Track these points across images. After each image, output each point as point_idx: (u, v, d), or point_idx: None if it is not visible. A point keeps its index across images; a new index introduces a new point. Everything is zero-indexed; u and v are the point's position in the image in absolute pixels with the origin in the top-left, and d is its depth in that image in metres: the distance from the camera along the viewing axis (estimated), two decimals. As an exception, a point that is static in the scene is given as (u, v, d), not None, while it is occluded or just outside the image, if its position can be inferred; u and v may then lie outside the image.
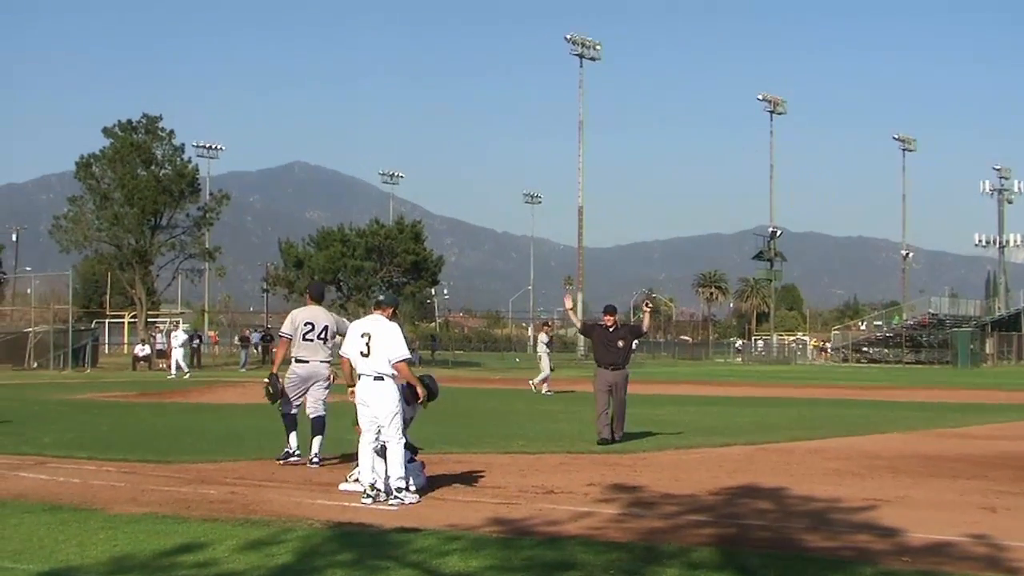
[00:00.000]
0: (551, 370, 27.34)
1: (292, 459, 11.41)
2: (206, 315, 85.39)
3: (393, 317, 9.55)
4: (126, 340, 60.60)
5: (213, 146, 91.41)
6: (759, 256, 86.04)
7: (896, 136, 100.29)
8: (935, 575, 6.45)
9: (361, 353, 9.20)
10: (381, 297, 9.94)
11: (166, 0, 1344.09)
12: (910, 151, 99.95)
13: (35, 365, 42.05)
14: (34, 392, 26.53)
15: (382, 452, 9.12)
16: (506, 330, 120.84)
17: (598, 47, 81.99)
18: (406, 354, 9.26)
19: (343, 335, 10.71)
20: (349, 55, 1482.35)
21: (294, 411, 11.57)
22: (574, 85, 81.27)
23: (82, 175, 50.23)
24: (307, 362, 11.49)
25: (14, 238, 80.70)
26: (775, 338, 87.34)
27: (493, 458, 12.15)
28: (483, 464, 11.39)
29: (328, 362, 11.59)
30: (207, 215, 53.87)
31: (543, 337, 28.40)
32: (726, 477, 10.80)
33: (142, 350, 45.08)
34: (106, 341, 59.22)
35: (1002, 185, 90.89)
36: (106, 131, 50.86)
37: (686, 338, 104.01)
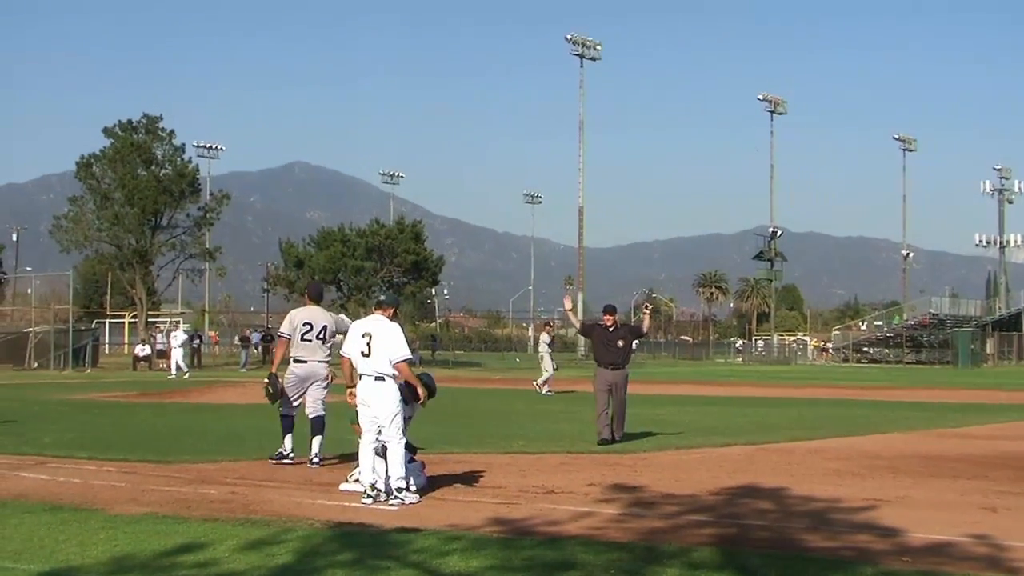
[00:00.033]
0: (555, 369, 27.34)
1: (285, 461, 11.41)
2: (206, 315, 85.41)
3: (394, 317, 9.56)
4: (126, 340, 60.65)
5: (213, 146, 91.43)
6: (759, 256, 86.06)
7: (896, 136, 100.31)
8: (936, 575, 6.45)
9: (362, 353, 9.21)
10: (382, 297, 9.95)
11: (166, 0, 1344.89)
12: (910, 151, 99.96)
13: (35, 365, 42.06)
14: (34, 392, 26.53)
15: (382, 452, 9.13)
16: (506, 330, 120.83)
17: (598, 47, 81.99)
18: (407, 354, 9.26)
19: (343, 333, 10.73)
20: (349, 55, 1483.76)
21: (293, 413, 11.58)
22: (574, 85, 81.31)
23: (82, 175, 50.24)
24: (305, 362, 11.49)
25: (14, 238, 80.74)
26: (775, 338, 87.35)
27: (493, 458, 12.15)
28: (483, 464, 11.39)
29: (326, 362, 11.60)
30: (207, 215, 53.87)
31: (545, 337, 28.35)
32: (726, 477, 10.80)
33: (142, 350, 45.11)
34: (106, 341, 59.27)
35: (1002, 185, 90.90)
36: (106, 131, 50.87)
37: (686, 338, 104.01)
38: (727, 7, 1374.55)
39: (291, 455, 11.44)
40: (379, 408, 9.12)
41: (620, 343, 14.41)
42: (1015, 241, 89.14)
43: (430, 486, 9.65)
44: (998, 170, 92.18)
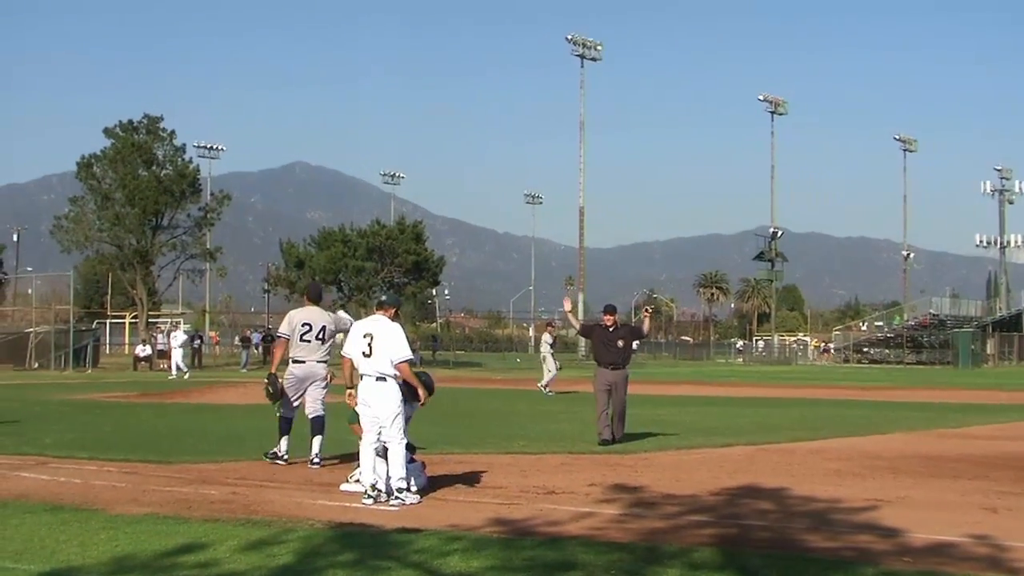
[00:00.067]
0: (558, 369, 27.31)
1: (278, 461, 11.41)
2: (207, 315, 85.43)
3: (395, 318, 9.56)
4: (127, 340, 60.70)
5: (214, 146, 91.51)
6: (760, 256, 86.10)
7: (897, 137, 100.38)
8: (937, 575, 6.45)
9: (363, 353, 9.21)
10: (384, 298, 9.96)
11: (167, 1, 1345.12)
12: (911, 152, 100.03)
13: (36, 365, 42.09)
14: (35, 392, 26.53)
15: (383, 453, 9.13)
16: (507, 330, 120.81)
17: (599, 47, 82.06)
18: (409, 355, 9.27)
19: (344, 331, 10.76)
20: (350, 55, 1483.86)
21: (292, 416, 11.58)
22: (575, 85, 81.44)
23: (83, 175, 50.24)
24: (304, 362, 11.50)
25: (15, 238, 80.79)
26: (776, 339, 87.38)
27: (494, 458, 12.14)
28: (484, 464, 11.38)
29: (325, 362, 11.62)
30: (208, 215, 53.87)
31: (547, 338, 28.27)
32: (727, 478, 10.79)
33: (143, 350, 45.14)
34: (107, 341, 59.30)
35: (1003, 186, 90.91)
36: (107, 131, 50.86)
37: (687, 338, 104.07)
38: (728, 7, 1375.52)
39: (285, 456, 11.44)
40: (380, 408, 9.12)
41: (620, 343, 14.38)
42: (1016, 241, 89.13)
43: (431, 486, 9.65)
44: (999, 170, 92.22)
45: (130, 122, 51.13)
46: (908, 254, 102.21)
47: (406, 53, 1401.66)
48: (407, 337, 9.52)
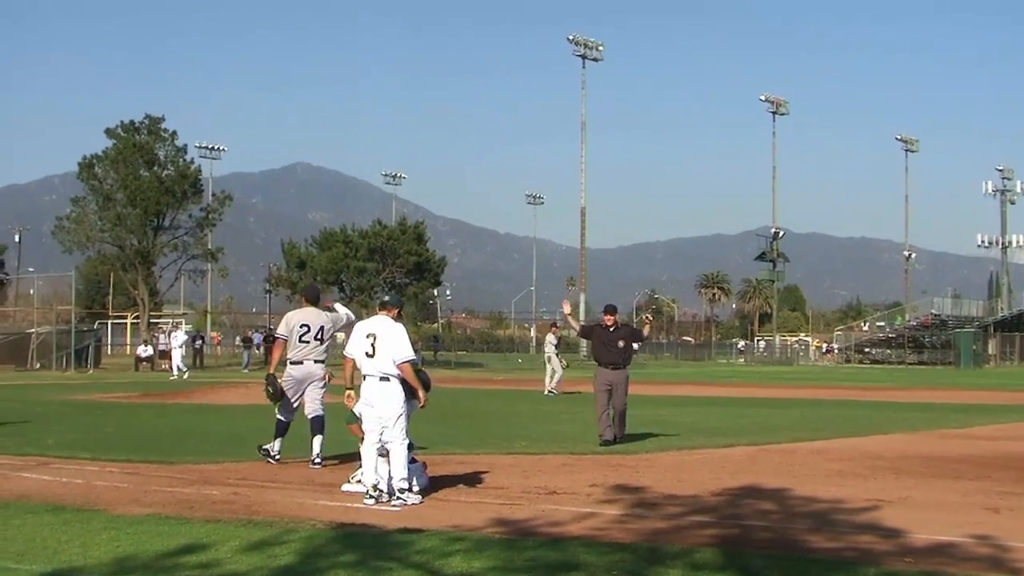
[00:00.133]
0: (564, 368, 27.30)
1: (269, 459, 11.44)
2: (208, 316, 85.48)
3: (398, 318, 9.59)
4: (129, 341, 60.72)
5: (215, 147, 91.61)
6: (762, 257, 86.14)
7: (899, 137, 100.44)
8: (938, 575, 6.45)
9: (367, 354, 9.22)
10: (386, 298, 9.97)
11: (168, 1, 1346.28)
12: (912, 152, 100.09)
13: (38, 366, 42.12)
14: (37, 393, 26.54)
15: (385, 453, 9.14)
16: (508, 331, 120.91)
17: (600, 48, 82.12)
18: (411, 355, 9.28)
19: (348, 326, 10.86)
20: (351, 56, 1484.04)
21: (290, 419, 11.60)
22: (576, 86, 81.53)
23: (85, 176, 50.30)
24: (302, 363, 11.54)
25: (17, 239, 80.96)
26: (777, 339, 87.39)
27: (496, 459, 12.15)
28: (486, 465, 11.39)
29: (322, 362, 11.65)
30: (209, 216, 53.91)
31: (551, 339, 28.17)
32: (729, 478, 10.79)
33: (145, 351, 45.17)
34: (109, 342, 59.31)
35: (1004, 186, 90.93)
36: (109, 132, 50.91)
37: (689, 339, 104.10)
38: (729, 8, 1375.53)
39: (277, 456, 11.48)
40: (384, 408, 9.13)
41: (620, 343, 14.36)
42: (1017, 242, 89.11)
43: (432, 487, 9.65)
44: (1000, 171, 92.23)
45: (132, 123, 51.20)
46: (909, 254, 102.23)
47: (407, 53, 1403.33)
48: (410, 338, 9.55)
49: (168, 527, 7.71)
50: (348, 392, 9.54)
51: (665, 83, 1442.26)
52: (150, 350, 45.03)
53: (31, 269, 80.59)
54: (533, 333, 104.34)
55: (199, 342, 49.81)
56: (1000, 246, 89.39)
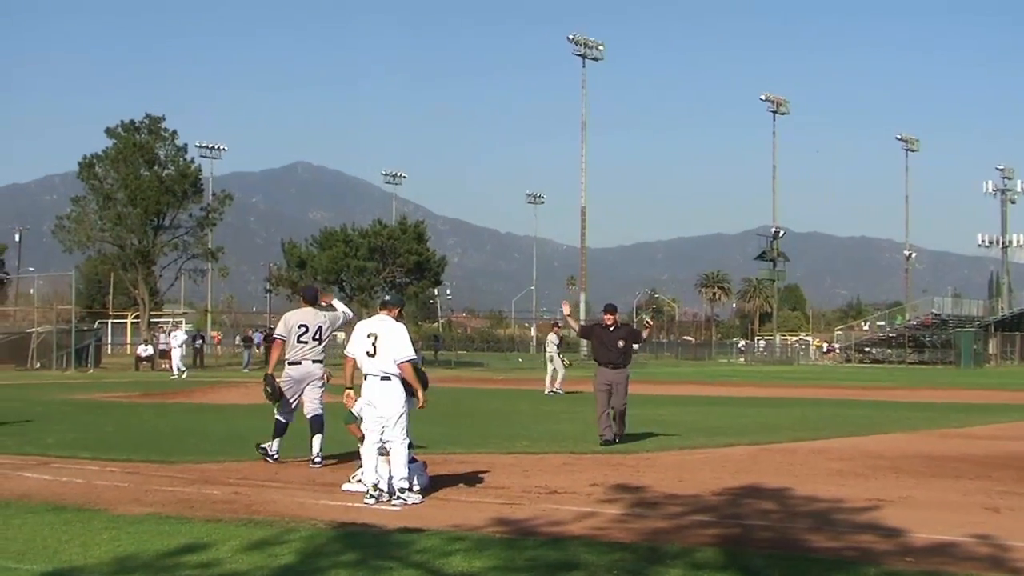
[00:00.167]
0: (566, 367, 27.29)
1: (267, 459, 11.45)
2: (209, 315, 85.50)
3: (399, 318, 9.59)
4: (129, 340, 60.73)
5: (216, 146, 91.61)
6: (762, 256, 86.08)
7: (899, 136, 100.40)
8: (939, 575, 6.45)
9: (368, 353, 9.23)
10: (387, 298, 9.98)
11: (168, 1, 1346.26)
12: (913, 151, 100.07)
13: (38, 365, 42.12)
14: (37, 392, 26.54)
15: (385, 452, 9.14)
16: (509, 330, 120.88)
17: (601, 47, 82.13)
18: (412, 355, 9.29)
19: (347, 322, 10.85)
20: (352, 56, 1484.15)
21: (289, 420, 11.61)
22: (577, 85, 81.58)
23: (85, 175, 50.31)
24: (300, 363, 11.56)
25: (17, 238, 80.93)
26: (778, 338, 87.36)
27: (496, 458, 12.15)
28: (486, 464, 11.39)
29: (321, 361, 11.66)
30: (210, 215, 53.92)
31: (553, 338, 28.12)
32: (729, 477, 10.79)
33: (145, 350, 45.18)
34: (109, 341, 59.34)
35: (1005, 185, 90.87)
36: (109, 131, 50.92)
37: (689, 338, 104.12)
38: (729, 7, 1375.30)
39: (275, 456, 11.50)
40: (385, 408, 9.14)
41: (620, 343, 14.36)
42: (1018, 241, 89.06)
43: (433, 486, 9.66)
44: (1000, 170, 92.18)
45: (132, 122, 51.22)
46: (910, 254, 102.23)
47: (407, 53, 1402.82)
48: (411, 337, 9.55)
49: (169, 526, 7.71)
50: (348, 392, 9.55)
51: (665, 83, 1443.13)
52: (150, 349, 45.03)
53: (31, 269, 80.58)
54: (533, 332, 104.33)
55: (199, 342, 49.83)
56: (1000, 245, 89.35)
